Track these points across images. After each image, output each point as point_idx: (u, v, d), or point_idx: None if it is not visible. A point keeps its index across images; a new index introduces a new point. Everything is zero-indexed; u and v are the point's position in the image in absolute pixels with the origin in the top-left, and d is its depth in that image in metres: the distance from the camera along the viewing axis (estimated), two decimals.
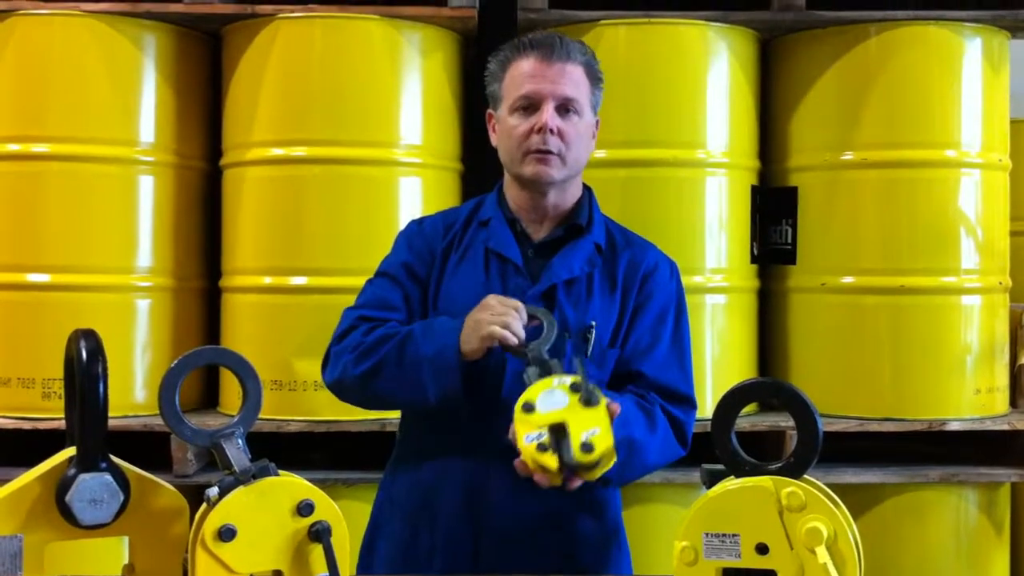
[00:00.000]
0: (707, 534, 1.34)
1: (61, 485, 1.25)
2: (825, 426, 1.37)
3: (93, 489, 1.25)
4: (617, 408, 1.59)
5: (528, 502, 1.82)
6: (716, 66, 2.89)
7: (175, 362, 1.31)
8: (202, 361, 1.36)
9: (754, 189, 2.98)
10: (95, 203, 2.82)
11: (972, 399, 2.87)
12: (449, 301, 1.89)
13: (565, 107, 1.85)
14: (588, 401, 1.51)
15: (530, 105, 1.85)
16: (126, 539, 1.31)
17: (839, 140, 2.91)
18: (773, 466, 1.36)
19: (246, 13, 2.84)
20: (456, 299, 1.88)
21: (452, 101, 2.98)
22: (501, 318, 1.70)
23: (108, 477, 1.26)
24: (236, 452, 1.30)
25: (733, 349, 2.92)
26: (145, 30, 2.87)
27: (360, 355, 1.82)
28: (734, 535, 1.33)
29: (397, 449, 2.01)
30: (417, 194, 2.86)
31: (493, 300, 1.75)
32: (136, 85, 2.86)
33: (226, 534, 1.25)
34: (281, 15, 2.81)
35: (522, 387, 1.57)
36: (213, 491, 1.27)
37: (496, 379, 1.81)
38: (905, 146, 2.87)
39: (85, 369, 1.24)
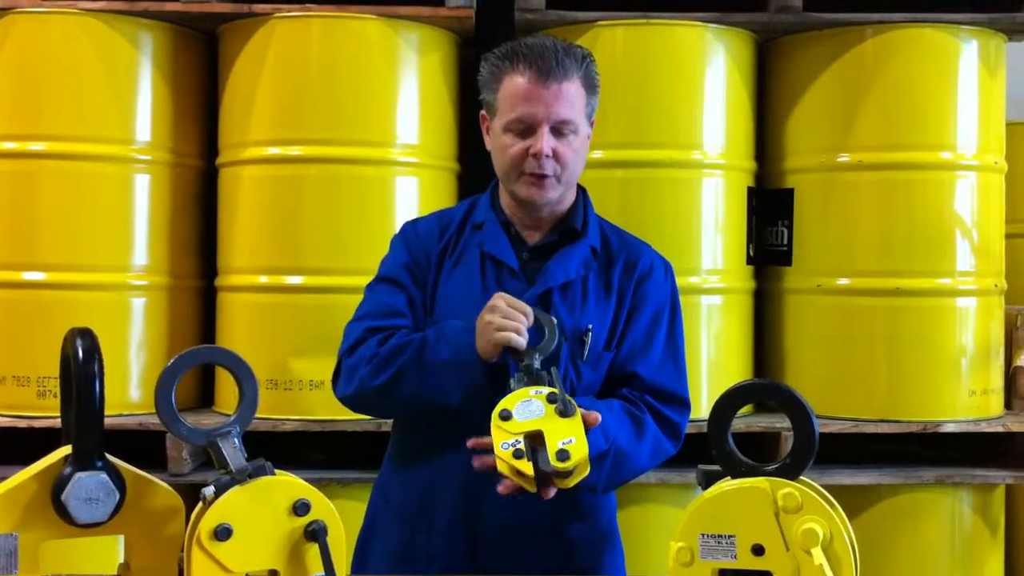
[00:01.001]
0: (703, 535, 1.34)
1: (57, 483, 1.25)
2: (820, 427, 1.37)
3: (89, 488, 1.24)
4: (595, 418, 1.60)
5: (525, 505, 1.81)
6: (713, 67, 2.89)
7: (171, 361, 1.30)
8: (198, 360, 1.36)
9: (750, 190, 2.99)
10: (91, 201, 2.82)
11: (967, 401, 2.88)
12: (445, 305, 1.88)
13: (560, 129, 1.82)
14: (563, 412, 1.54)
15: (525, 128, 1.82)
16: (122, 538, 1.31)
17: (835, 142, 2.92)
18: (769, 467, 1.36)
19: (243, 12, 2.84)
20: (452, 303, 1.87)
21: (449, 101, 2.98)
22: (511, 323, 1.68)
23: (104, 476, 1.25)
24: (232, 451, 1.30)
25: (729, 350, 2.92)
26: (142, 29, 2.86)
27: (377, 367, 1.80)
28: (730, 536, 1.33)
29: (391, 450, 2.01)
30: (413, 194, 2.86)
31: (501, 302, 1.72)
32: (133, 84, 2.86)
33: (222, 533, 1.24)
34: (278, 14, 2.81)
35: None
36: (209, 490, 1.27)
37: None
38: (901, 148, 2.88)
39: (81, 367, 1.24)
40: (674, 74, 2.88)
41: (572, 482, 1.52)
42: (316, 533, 1.28)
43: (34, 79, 2.81)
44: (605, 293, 1.90)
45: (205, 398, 2.99)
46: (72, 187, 2.80)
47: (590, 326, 1.85)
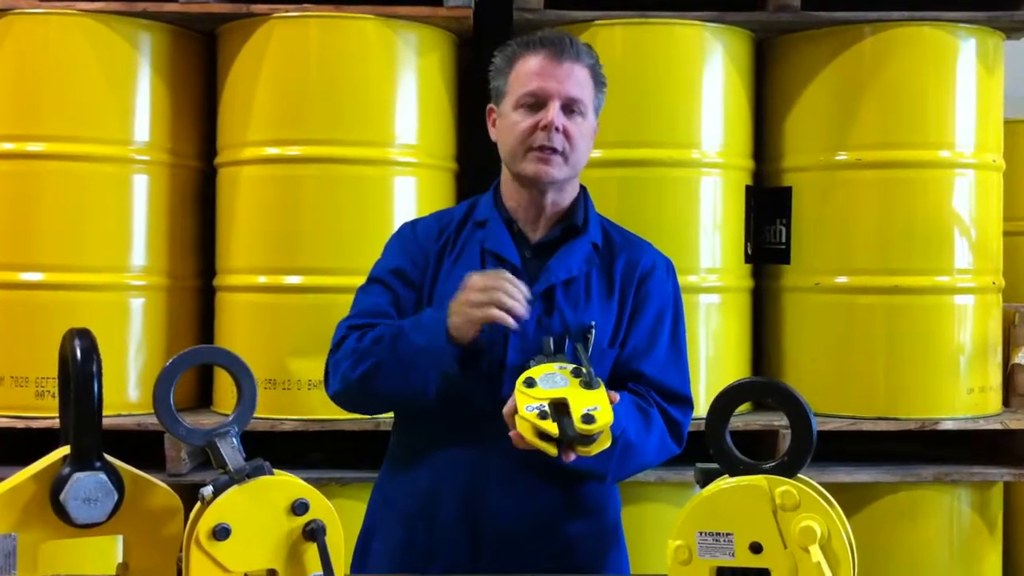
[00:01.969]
0: (701, 533, 1.34)
1: (55, 484, 1.25)
2: (818, 425, 1.37)
3: (87, 488, 1.25)
4: (615, 396, 1.61)
5: (528, 504, 1.82)
6: (711, 66, 2.89)
7: (170, 361, 1.30)
8: (197, 360, 1.36)
9: (748, 189, 2.99)
10: (90, 202, 2.81)
11: (965, 398, 2.88)
12: (444, 303, 1.88)
13: (570, 107, 1.85)
14: (588, 384, 1.56)
15: (536, 103, 1.84)
16: (120, 538, 1.31)
17: (834, 140, 2.92)
18: (767, 465, 1.36)
19: (241, 12, 2.83)
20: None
21: (448, 101, 2.98)
22: (492, 295, 1.70)
23: (103, 476, 1.25)
24: (231, 451, 1.30)
25: (727, 348, 2.92)
26: (141, 29, 2.86)
27: (356, 359, 1.81)
28: (728, 534, 1.33)
29: (391, 451, 2.01)
30: (412, 194, 2.86)
31: (476, 278, 1.74)
32: (131, 84, 2.86)
33: (220, 533, 1.25)
34: (276, 15, 2.81)
35: None
36: (207, 490, 1.27)
37: (494, 382, 1.81)
38: (899, 146, 2.88)
39: (80, 368, 1.24)
40: (672, 73, 2.88)
41: (595, 449, 1.52)
42: (315, 533, 1.28)
43: (33, 80, 2.80)
44: (608, 290, 1.91)
45: (203, 398, 2.99)
46: (70, 188, 2.80)
47: (593, 323, 1.85)
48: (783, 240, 2.99)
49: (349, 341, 1.84)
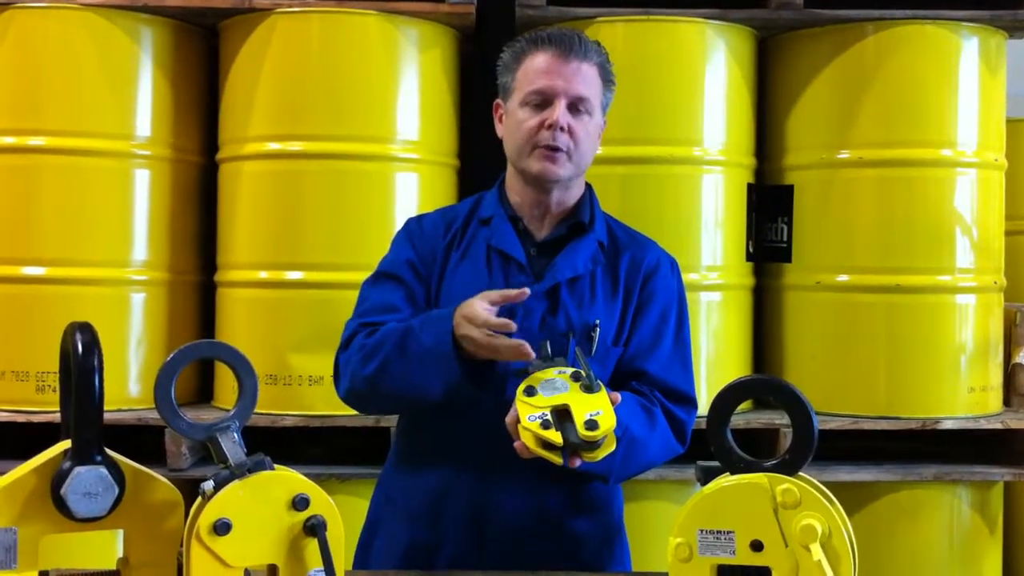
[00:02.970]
0: (702, 531, 1.34)
1: (56, 478, 1.25)
2: (820, 424, 1.37)
3: (88, 482, 1.24)
4: (617, 397, 1.60)
5: (534, 503, 1.82)
6: (714, 64, 2.89)
7: (171, 356, 1.30)
8: (198, 355, 1.36)
9: (750, 187, 2.98)
10: (91, 197, 2.81)
11: (966, 398, 2.88)
12: (451, 299, 1.87)
13: (577, 106, 1.84)
14: (589, 388, 1.55)
15: (542, 101, 1.84)
16: (121, 532, 1.31)
17: (835, 138, 2.92)
18: (768, 463, 1.36)
19: (243, 7, 2.83)
20: (458, 298, 1.85)
21: (449, 97, 2.97)
22: (500, 353, 1.68)
23: (103, 470, 1.25)
24: (231, 446, 1.30)
25: (728, 346, 2.92)
26: (142, 24, 2.86)
27: (365, 357, 1.80)
28: (729, 532, 1.33)
29: (396, 448, 2.00)
30: (413, 190, 2.86)
31: (479, 310, 1.69)
32: (132, 79, 2.86)
33: (221, 528, 1.25)
34: (278, 10, 2.81)
35: None
36: (208, 485, 1.27)
37: (501, 381, 1.79)
38: (901, 145, 2.88)
39: (81, 362, 1.24)
40: (674, 70, 2.88)
41: (600, 454, 1.51)
42: (315, 528, 1.28)
43: (34, 74, 2.80)
44: (612, 288, 1.90)
45: (204, 393, 2.99)
46: (72, 182, 2.79)
47: (598, 321, 1.85)
48: (784, 238, 2.99)
49: (358, 339, 1.83)
